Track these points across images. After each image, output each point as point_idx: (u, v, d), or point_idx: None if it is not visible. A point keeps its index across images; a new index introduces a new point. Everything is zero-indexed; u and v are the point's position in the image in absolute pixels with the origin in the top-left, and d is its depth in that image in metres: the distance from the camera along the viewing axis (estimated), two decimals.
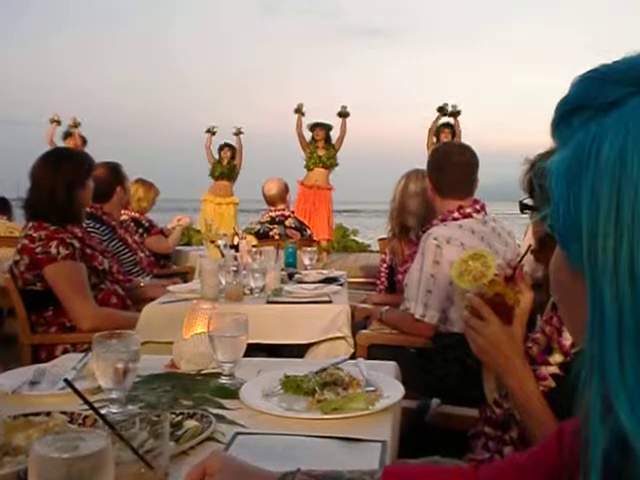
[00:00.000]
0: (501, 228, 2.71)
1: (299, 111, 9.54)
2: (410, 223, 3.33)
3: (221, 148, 9.94)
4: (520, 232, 4.48)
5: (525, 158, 1.35)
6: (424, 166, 2.93)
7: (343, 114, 9.51)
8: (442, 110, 9.40)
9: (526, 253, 1.40)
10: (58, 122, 9.45)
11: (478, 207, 2.66)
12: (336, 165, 9.50)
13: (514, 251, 2.67)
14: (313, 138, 9.47)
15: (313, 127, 9.51)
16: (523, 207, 1.37)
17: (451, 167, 2.67)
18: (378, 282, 3.74)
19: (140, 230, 4.77)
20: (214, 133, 10.06)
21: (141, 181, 5.06)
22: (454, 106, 9.37)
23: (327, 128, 9.53)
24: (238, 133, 9.93)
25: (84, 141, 9.39)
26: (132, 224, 4.71)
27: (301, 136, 9.50)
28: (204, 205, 9.75)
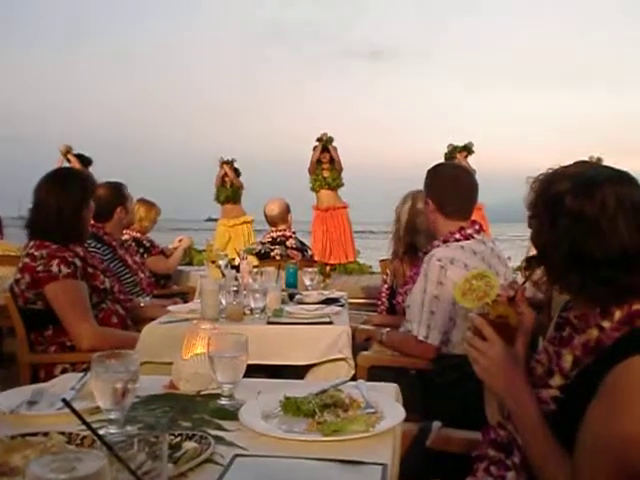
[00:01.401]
0: (499, 250, 2.72)
1: (322, 140, 9.56)
2: (420, 242, 3.30)
3: (226, 163, 9.94)
4: (522, 254, 4.48)
5: (528, 177, 1.36)
6: None
7: (327, 142, 9.52)
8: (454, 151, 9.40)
9: (530, 276, 1.40)
10: (65, 154, 9.41)
11: (477, 227, 2.67)
12: (342, 185, 9.56)
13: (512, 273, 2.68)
14: (319, 160, 9.53)
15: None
16: (531, 224, 1.38)
17: (459, 189, 2.68)
18: (379, 303, 3.72)
19: (141, 250, 4.78)
20: (232, 165, 10.02)
21: (142, 201, 5.07)
22: (468, 145, 9.35)
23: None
24: (222, 164, 9.90)
25: (88, 162, 9.40)
26: (133, 244, 4.71)
27: (314, 163, 9.53)
28: (219, 229, 9.76)
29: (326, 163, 9.47)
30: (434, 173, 2.77)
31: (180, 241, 5.20)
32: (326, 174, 9.42)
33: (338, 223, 9.42)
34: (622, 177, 1.26)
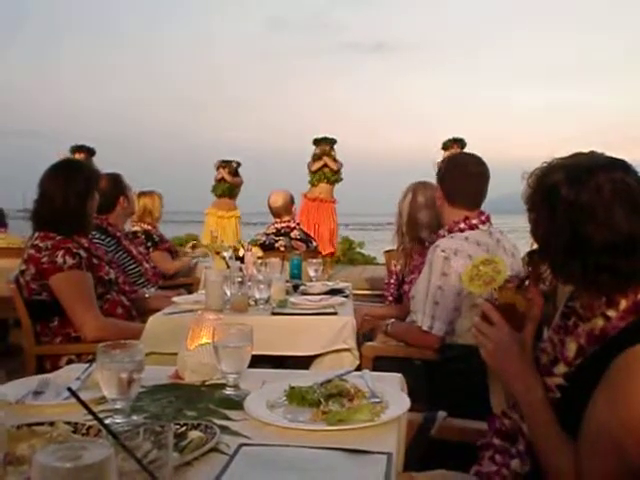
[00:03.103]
0: (506, 241, 2.71)
1: (318, 145, 9.48)
2: (423, 235, 3.28)
3: (223, 166, 9.80)
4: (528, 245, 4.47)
5: (523, 173, 1.36)
6: (428, 179, 2.92)
7: (320, 155, 9.42)
8: (447, 144, 9.26)
9: (537, 262, 1.40)
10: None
11: (483, 218, 2.66)
12: (340, 180, 9.50)
13: (520, 263, 2.66)
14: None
15: (317, 142, 9.48)
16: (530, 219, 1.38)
17: (466, 177, 2.67)
18: (387, 294, 3.72)
19: (149, 243, 4.77)
20: (229, 167, 9.90)
21: (142, 193, 5.04)
22: (460, 139, 9.24)
23: (332, 142, 9.51)
24: (219, 167, 9.80)
25: (91, 153, 9.40)
26: (143, 236, 4.72)
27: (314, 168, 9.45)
28: (207, 218, 9.72)
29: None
30: (447, 162, 2.78)
31: (193, 247, 5.07)
32: (325, 169, 9.37)
33: (322, 216, 9.34)
34: (616, 164, 1.26)
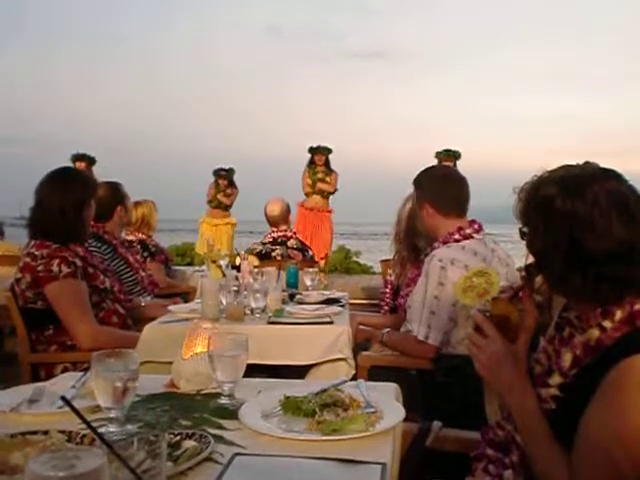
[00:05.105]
0: (501, 250, 2.72)
1: (313, 153, 9.42)
2: (421, 244, 3.28)
3: (219, 175, 9.69)
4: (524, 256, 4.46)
5: (514, 187, 1.36)
6: None
7: (315, 181, 9.30)
8: (440, 155, 9.13)
9: (534, 276, 1.40)
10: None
11: (477, 227, 2.67)
12: (336, 191, 9.39)
13: (514, 273, 2.67)
14: (313, 162, 9.33)
15: (313, 151, 9.38)
16: (523, 234, 1.38)
17: (452, 184, 2.69)
18: (383, 303, 3.71)
19: (145, 253, 4.75)
20: (224, 192, 9.84)
21: (138, 203, 5.00)
22: (455, 151, 9.13)
23: (327, 152, 9.41)
24: (216, 194, 9.70)
25: (91, 162, 9.38)
26: (138, 246, 4.70)
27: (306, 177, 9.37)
28: (202, 227, 9.64)
29: (321, 166, 9.25)
30: (424, 177, 2.77)
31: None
32: (320, 181, 9.28)
33: (318, 224, 9.25)
34: (609, 174, 1.27)
